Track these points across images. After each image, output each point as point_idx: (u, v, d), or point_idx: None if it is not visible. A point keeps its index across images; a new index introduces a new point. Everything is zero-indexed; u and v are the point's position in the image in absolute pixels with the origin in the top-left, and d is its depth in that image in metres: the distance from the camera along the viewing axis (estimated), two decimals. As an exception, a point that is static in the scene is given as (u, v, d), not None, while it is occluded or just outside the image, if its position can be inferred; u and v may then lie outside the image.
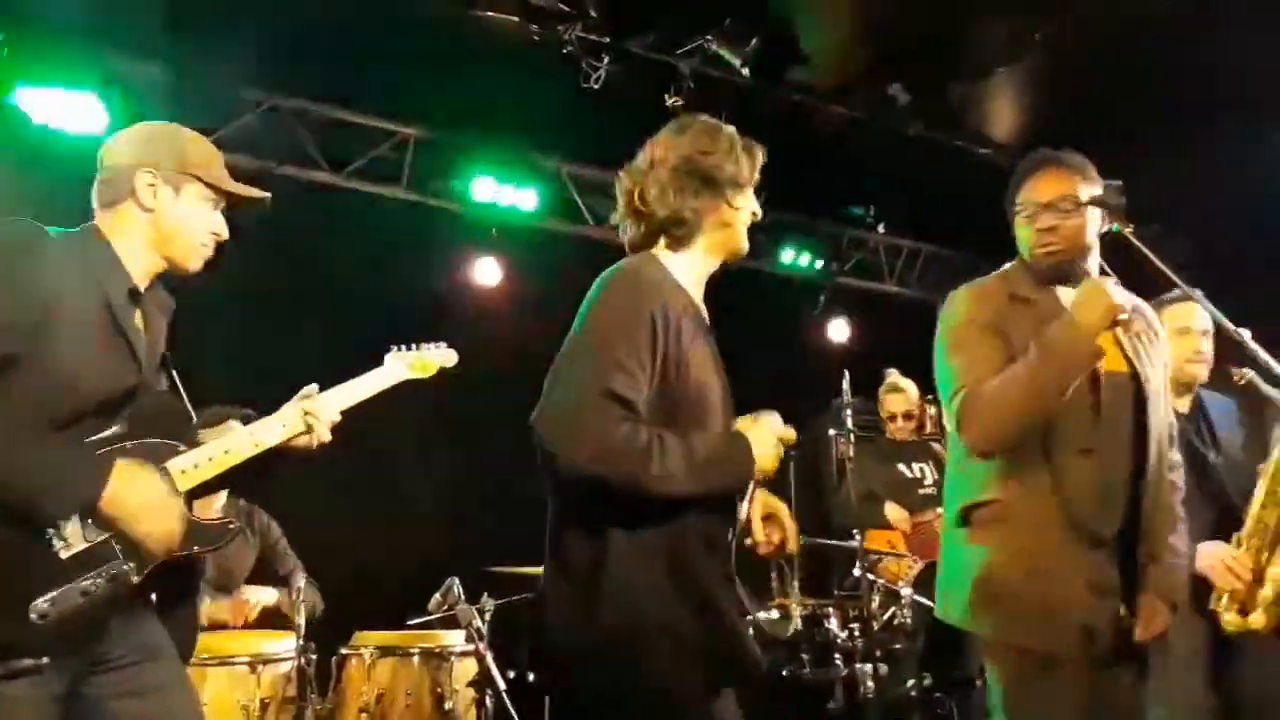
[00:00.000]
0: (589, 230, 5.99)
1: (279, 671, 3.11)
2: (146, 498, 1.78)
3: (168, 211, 1.93)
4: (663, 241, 1.98)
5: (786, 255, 6.76)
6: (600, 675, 1.79)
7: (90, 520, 1.74)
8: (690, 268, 1.99)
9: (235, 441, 1.96)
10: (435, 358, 2.32)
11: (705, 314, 2.01)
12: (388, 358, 2.26)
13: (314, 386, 2.08)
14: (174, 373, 1.98)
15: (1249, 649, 2.87)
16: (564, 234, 5.99)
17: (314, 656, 3.11)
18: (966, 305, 2.28)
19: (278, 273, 4.79)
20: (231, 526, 1.95)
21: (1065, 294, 2.23)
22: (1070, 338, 2.08)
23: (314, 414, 2.02)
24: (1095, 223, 2.24)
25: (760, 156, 2.04)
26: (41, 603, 1.67)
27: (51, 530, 1.71)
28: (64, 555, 1.71)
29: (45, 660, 1.67)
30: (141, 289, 1.92)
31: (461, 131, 5.56)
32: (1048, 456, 2.13)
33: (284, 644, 3.16)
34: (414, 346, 2.31)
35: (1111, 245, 2.30)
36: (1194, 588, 2.70)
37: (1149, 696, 2.26)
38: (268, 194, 2.06)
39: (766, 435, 1.89)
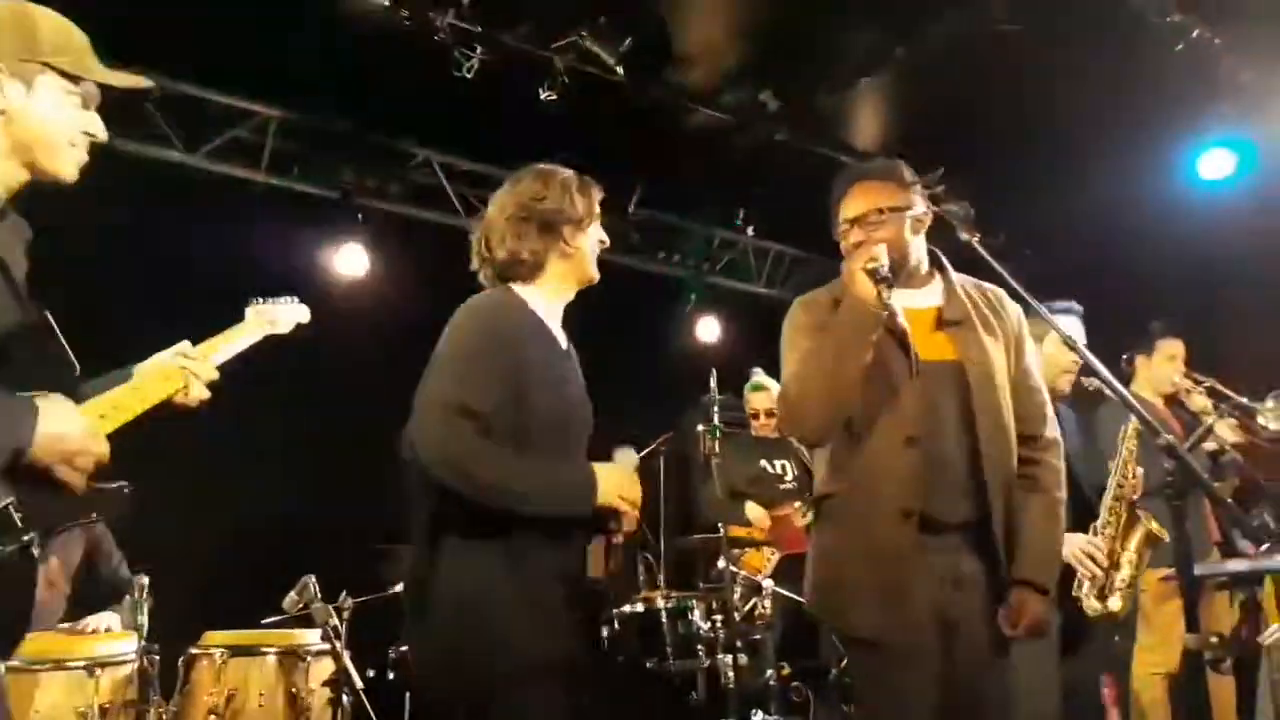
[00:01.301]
0: (459, 221, 5.91)
1: (120, 674, 2.94)
2: (70, 424, 1.58)
3: (19, 109, 1.66)
4: (515, 281, 2.20)
5: (659, 255, 6.85)
6: (434, 674, 1.99)
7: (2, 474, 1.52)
8: (543, 298, 2.21)
9: (122, 396, 1.76)
10: (291, 312, 2.25)
11: (562, 339, 2.23)
12: (247, 310, 2.18)
13: (186, 343, 1.95)
14: (48, 315, 1.70)
15: (1090, 636, 3.07)
16: (434, 224, 5.88)
17: (157, 658, 2.95)
18: (796, 314, 2.39)
19: (123, 253, 4.54)
20: (126, 491, 1.73)
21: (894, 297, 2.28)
22: (846, 310, 2.17)
23: (193, 369, 1.89)
24: (910, 226, 2.31)
25: (597, 193, 2.28)
26: None
27: None
28: None
29: None
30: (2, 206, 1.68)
31: (328, 115, 5.40)
32: (873, 447, 2.20)
33: (124, 645, 2.99)
34: (267, 301, 2.22)
35: (962, 255, 2.41)
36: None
37: (1018, 689, 2.28)
38: (147, 81, 1.81)
39: (616, 475, 2.07)
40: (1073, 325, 3.10)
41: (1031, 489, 2.29)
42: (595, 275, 2.27)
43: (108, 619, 3.17)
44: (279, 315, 2.21)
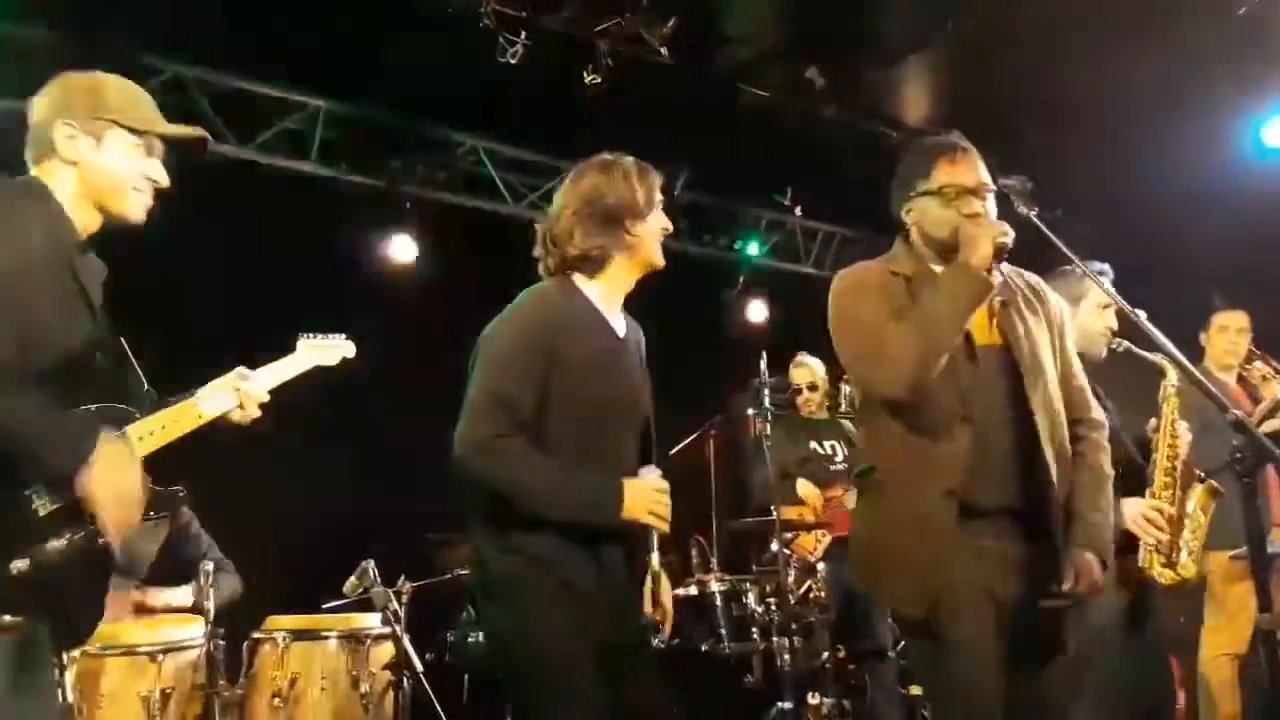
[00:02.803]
0: (506, 207, 5.93)
1: (185, 659, 3.00)
2: (121, 476, 1.75)
3: (90, 161, 1.88)
4: (578, 273, 2.27)
5: (706, 238, 6.82)
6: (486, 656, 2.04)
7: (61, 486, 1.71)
8: (607, 289, 2.28)
9: (181, 412, 1.97)
10: (338, 349, 2.42)
11: (620, 327, 2.30)
12: (299, 344, 2.34)
13: (243, 368, 2.13)
14: (123, 341, 1.98)
15: (1157, 616, 3.01)
16: (481, 211, 5.91)
17: (223, 642, 3.01)
18: (850, 278, 2.34)
19: (182, 248, 4.62)
20: (181, 494, 1.96)
21: (940, 272, 2.26)
22: (960, 275, 2.14)
23: (247, 391, 2.08)
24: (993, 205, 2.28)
25: (656, 179, 2.31)
26: (21, 560, 1.66)
27: (33, 488, 1.69)
28: (40, 513, 1.70)
29: (20, 619, 1.66)
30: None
31: (375, 104, 5.44)
32: (924, 426, 2.17)
33: (191, 630, 3.06)
34: (319, 336, 2.40)
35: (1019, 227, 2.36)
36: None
37: (1073, 677, 2.27)
38: (203, 132, 2.03)
39: (645, 489, 2.14)
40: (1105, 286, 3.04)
41: (1081, 466, 2.28)
42: (660, 261, 2.33)
43: (178, 595, 3.26)
44: (328, 350, 2.39)
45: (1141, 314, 2.35)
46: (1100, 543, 2.22)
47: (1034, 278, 2.41)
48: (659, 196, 2.31)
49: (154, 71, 4.81)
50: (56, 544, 1.71)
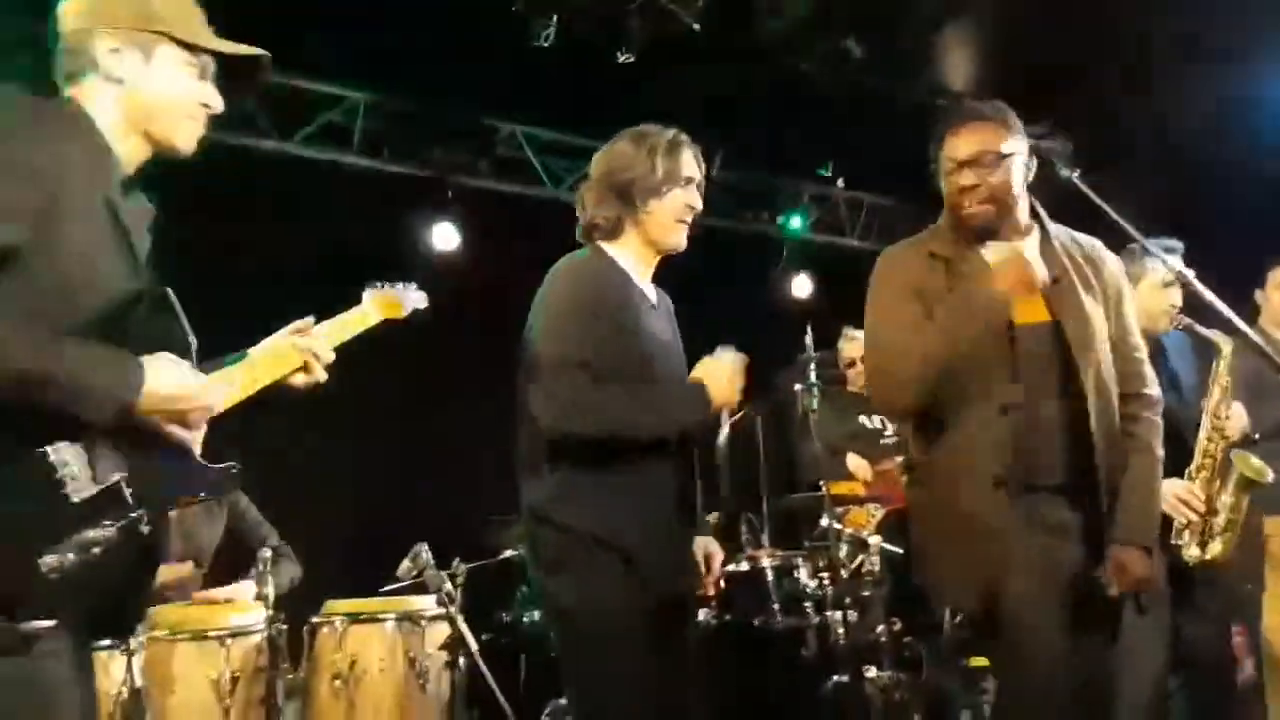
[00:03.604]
0: (546, 191, 5.95)
1: (249, 643, 3.08)
2: (179, 377, 1.56)
3: (138, 81, 1.63)
4: (604, 240, 2.29)
5: (748, 213, 6.77)
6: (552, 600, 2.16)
7: (112, 445, 1.51)
8: (627, 258, 2.28)
9: (238, 374, 1.74)
10: (407, 298, 2.21)
11: (652, 295, 2.31)
12: (365, 295, 2.13)
13: (310, 320, 1.92)
14: (169, 291, 1.68)
15: (1205, 583, 2.96)
16: (521, 196, 5.93)
17: (284, 627, 3.08)
18: (886, 267, 2.30)
19: (229, 243, 4.71)
20: (235, 472, 1.72)
21: (989, 248, 2.21)
22: (975, 306, 2.10)
23: (312, 350, 1.85)
24: (1021, 173, 2.22)
25: (687, 156, 2.28)
26: (52, 556, 1.43)
27: (63, 470, 1.47)
28: (75, 499, 1.47)
29: (55, 622, 1.44)
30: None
31: (412, 94, 5.47)
32: (966, 416, 2.13)
33: (253, 616, 3.13)
34: (386, 285, 2.19)
35: (1066, 192, 2.31)
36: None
37: (1121, 661, 2.25)
38: (264, 52, 1.75)
39: (716, 370, 2.19)
40: (1174, 264, 2.95)
41: (1132, 447, 2.22)
42: (675, 243, 2.30)
43: (243, 589, 3.34)
44: (399, 300, 2.17)
45: (1190, 274, 2.30)
46: (1145, 533, 2.17)
47: (1090, 242, 2.33)
48: (689, 174, 2.26)
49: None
50: (94, 534, 1.48)
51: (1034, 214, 2.30)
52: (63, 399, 1.45)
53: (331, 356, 1.90)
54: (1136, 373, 2.28)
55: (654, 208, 2.24)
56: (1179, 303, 2.98)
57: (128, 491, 1.53)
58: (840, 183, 6.86)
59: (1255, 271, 3.98)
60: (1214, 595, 3.03)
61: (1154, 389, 2.31)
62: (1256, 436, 2.98)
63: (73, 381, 1.45)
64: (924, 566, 2.27)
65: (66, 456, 1.48)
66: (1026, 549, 2.09)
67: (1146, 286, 2.98)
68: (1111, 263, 2.32)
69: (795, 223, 6.99)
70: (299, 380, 1.85)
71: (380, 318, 2.11)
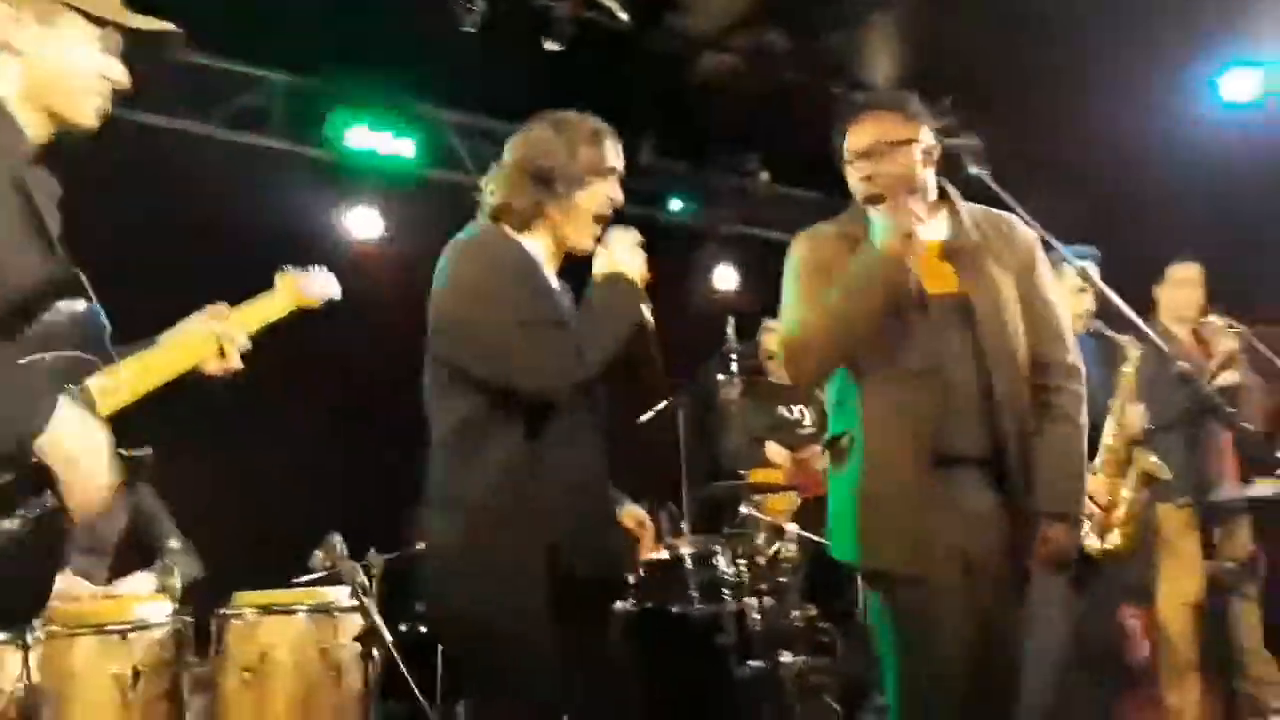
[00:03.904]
0: (470, 177, 5.88)
1: (154, 637, 3.00)
2: (84, 439, 1.50)
3: (39, 52, 1.58)
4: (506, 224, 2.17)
5: (673, 204, 6.80)
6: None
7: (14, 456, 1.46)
8: (535, 248, 2.17)
9: (153, 360, 1.70)
10: (320, 285, 2.16)
11: (555, 284, 2.20)
12: (277, 279, 2.08)
13: (224, 306, 1.89)
14: (80, 274, 1.63)
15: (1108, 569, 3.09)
16: (445, 182, 5.87)
17: (190, 620, 3.01)
18: (799, 249, 2.33)
19: (140, 225, 4.55)
20: (148, 458, 1.68)
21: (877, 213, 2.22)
22: (866, 263, 2.13)
23: (226, 333, 1.82)
24: (921, 159, 2.25)
25: (611, 146, 2.18)
26: None
27: None
28: None
29: None
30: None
31: (333, 75, 5.37)
32: (882, 385, 2.17)
33: (156, 608, 3.06)
34: (296, 269, 2.14)
35: (975, 190, 2.36)
36: None
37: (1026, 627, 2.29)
38: (172, 26, 1.71)
39: (615, 254, 2.12)
40: (1089, 269, 3.07)
41: (1049, 417, 2.26)
42: (586, 245, 2.19)
43: (141, 582, 3.24)
44: (310, 286, 2.12)
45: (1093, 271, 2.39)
46: (1066, 502, 2.22)
47: (1004, 216, 2.36)
48: (611, 164, 2.18)
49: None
50: (9, 524, 1.47)
51: (943, 195, 2.34)
52: None
53: (246, 343, 1.87)
54: (1053, 337, 2.29)
55: (576, 198, 2.15)
56: (1092, 307, 3.09)
57: (40, 482, 1.49)
58: (764, 175, 6.92)
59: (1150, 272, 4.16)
60: (1108, 580, 3.16)
61: (1073, 356, 2.31)
62: (1153, 427, 3.11)
63: None
64: (844, 535, 2.26)
65: None
66: (944, 525, 2.12)
67: (1064, 288, 3.08)
68: (1022, 232, 2.33)
69: (720, 214, 7.03)
70: (213, 367, 1.82)
71: (294, 304, 2.07)
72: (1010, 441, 2.17)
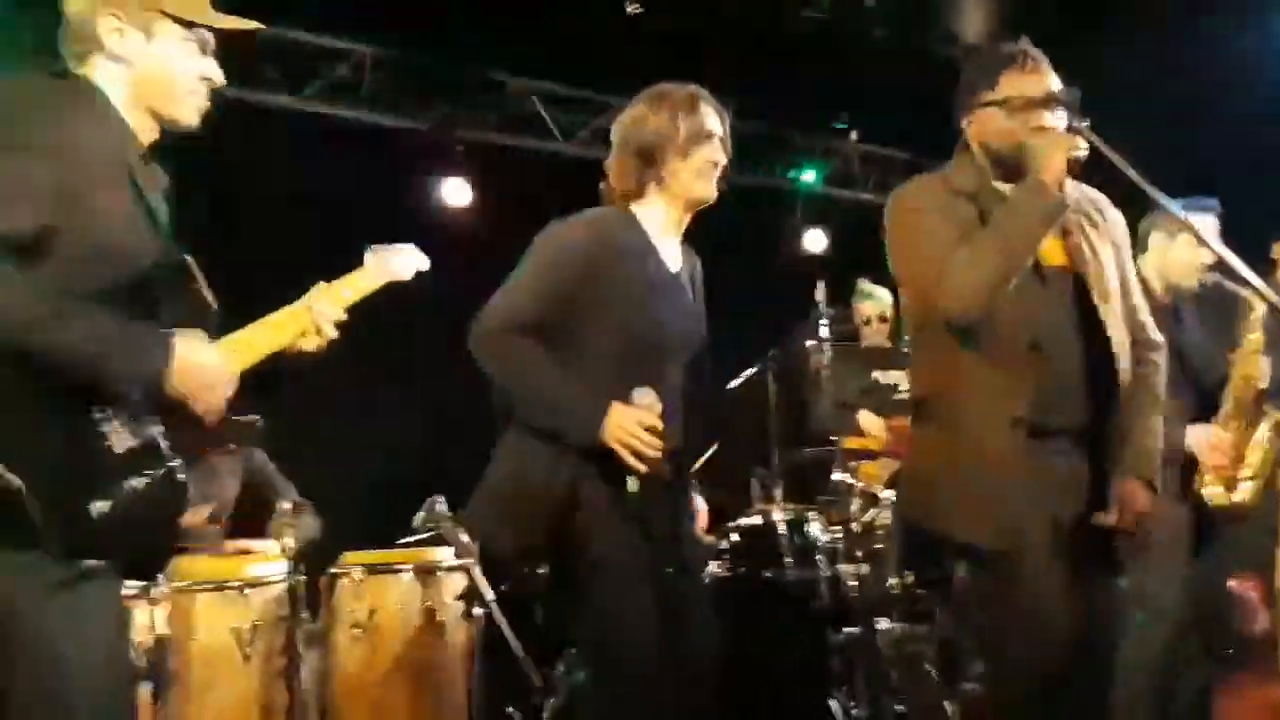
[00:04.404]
0: (555, 145, 5.91)
1: (269, 594, 3.14)
2: (208, 365, 1.68)
3: (142, 59, 1.72)
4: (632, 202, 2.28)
5: (761, 167, 6.71)
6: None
7: (145, 404, 1.63)
8: (653, 219, 2.28)
9: (254, 336, 1.86)
10: (410, 260, 2.22)
11: (674, 262, 2.30)
12: (367, 256, 2.16)
13: (322, 284, 2.01)
14: (189, 258, 1.81)
15: (1226, 536, 2.99)
16: (532, 150, 5.90)
17: (303, 578, 3.13)
18: (911, 197, 2.26)
19: (239, 199, 4.71)
20: (258, 424, 1.89)
21: (1008, 190, 2.18)
22: (1032, 193, 2.06)
23: (322, 313, 1.94)
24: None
25: (707, 112, 2.25)
26: (101, 502, 1.57)
27: (106, 425, 1.60)
28: (117, 450, 1.61)
29: (105, 563, 1.61)
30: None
31: (421, 49, 5.43)
32: (989, 351, 2.11)
33: (273, 567, 3.19)
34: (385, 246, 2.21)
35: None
36: (1177, 474, 2.78)
37: (1125, 598, 2.28)
38: (255, 24, 1.85)
39: (626, 416, 2.11)
40: (1208, 223, 2.94)
41: (1140, 388, 2.23)
42: (704, 195, 2.28)
43: (266, 547, 3.39)
44: (399, 262, 2.19)
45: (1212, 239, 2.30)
46: (1149, 467, 2.18)
47: (1094, 193, 2.32)
48: (710, 129, 2.24)
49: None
50: (135, 483, 1.61)
51: None
52: (99, 374, 1.57)
53: (341, 317, 1.98)
54: (1141, 320, 2.31)
55: (679, 168, 2.23)
56: (1209, 260, 2.98)
57: (164, 443, 1.66)
58: (854, 135, 6.78)
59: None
60: (1223, 546, 3.06)
61: (1155, 333, 2.33)
62: (1262, 386, 3.00)
63: (105, 359, 1.57)
64: (928, 504, 2.24)
65: (109, 412, 1.61)
66: (1037, 497, 2.09)
67: (1183, 240, 2.97)
68: (1114, 215, 2.33)
69: (809, 176, 6.92)
70: (308, 343, 1.95)
71: (384, 279, 2.15)
72: (1110, 416, 2.15)
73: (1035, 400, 2.09)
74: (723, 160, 2.27)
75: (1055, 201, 2.06)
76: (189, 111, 1.79)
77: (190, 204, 1.96)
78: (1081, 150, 2.07)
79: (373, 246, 2.17)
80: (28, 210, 1.54)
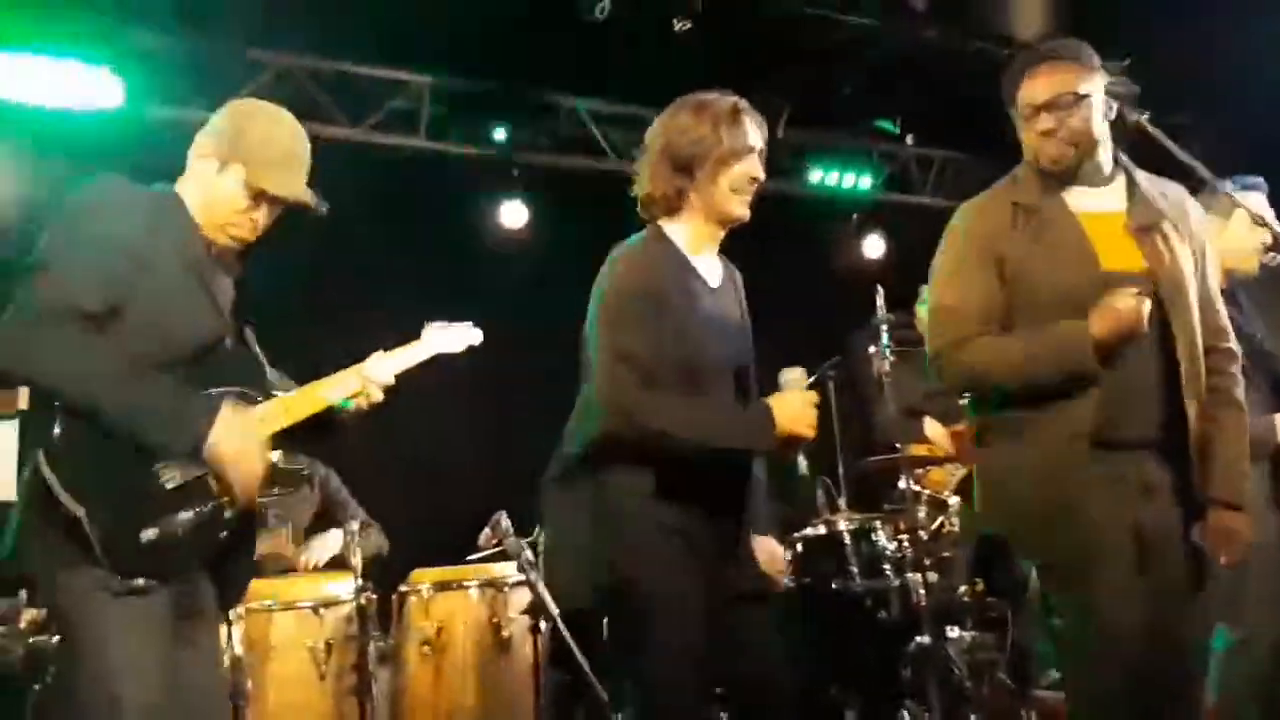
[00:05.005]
0: (611, 164, 5.97)
1: (341, 613, 3.21)
2: (243, 445, 1.94)
3: (205, 183, 2.04)
4: (662, 217, 2.22)
5: (814, 175, 6.68)
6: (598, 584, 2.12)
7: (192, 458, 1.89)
8: (687, 235, 2.21)
9: (303, 396, 2.14)
10: (464, 336, 2.50)
11: (713, 277, 2.24)
12: (425, 331, 2.44)
13: (380, 352, 2.28)
14: (249, 329, 2.16)
15: None
16: (587, 170, 5.97)
17: (373, 596, 3.20)
18: (965, 220, 2.24)
19: (305, 230, 4.84)
20: (305, 472, 2.13)
21: (1074, 195, 2.16)
22: (1076, 339, 2.03)
23: (369, 377, 2.21)
24: (1100, 112, 2.14)
25: (750, 124, 2.17)
26: (150, 530, 1.85)
27: (158, 464, 1.88)
28: (169, 487, 1.89)
29: (153, 583, 1.85)
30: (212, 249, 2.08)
31: (475, 75, 5.54)
32: None
33: (344, 585, 3.26)
34: (445, 324, 2.50)
35: (1133, 137, 2.23)
36: (1266, 471, 2.67)
37: (1212, 610, 2.21)
38: (311, 202, 2.13)
39: (790, 403, 2.09)
40: (1259, 202, 2.84)
41: (1220, 402, 2.16)
42: (738, 214, 2.20)
43: (331, 539, 3.51)
44: (453, 337, 2.48)
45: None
46: (1236, 488, 2.13)
47: (1177, 191, 2.25)
48: (751, 143, 2.17)
49: (262, 67, 5.03)
50: (184, 516, 1.90)
51: (1118, 159, 2.23)
52: (145, 432, 1.85)
53: (390, 383, 2.25)
54: (1220, 327, 2.23)
55: (718, 180, 2.15)
56: (1269, 240, 2.88)
57: (213, 484, 1.94)
58: (909, 139, 6.72)
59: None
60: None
61: (1234, 343, 2.25)
62: None
63: (155, 420, 1.86)
64: (998, 518, 2.22)
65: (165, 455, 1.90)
66: (1112, 508, 2.04)
67: (1239, 223, 2.87)
68: (1195, 211, 2.25)
69: (865, 182, 6.86)
70: (359, 402, 2.22)
71: (436, 351, 2.43)
72: (1192, 427, 2.08)
73: (1103, 413, 2.03)
74: (760, 175, 2.20)
75: (1089, 368, 2.02)
76: (221, 238, 2.07)
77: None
78: (1141, 324, 2.01)
79: (430, 324, 2.44)
80: (100, 293, 1.85)
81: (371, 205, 5.07)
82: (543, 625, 3.25)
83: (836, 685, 3.62)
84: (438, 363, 2.44)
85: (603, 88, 5.87)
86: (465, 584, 3.45)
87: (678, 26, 4.78)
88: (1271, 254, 2.84)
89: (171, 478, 1.89)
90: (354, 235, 5.02)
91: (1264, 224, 2.73)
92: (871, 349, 4.22)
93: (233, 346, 2.09)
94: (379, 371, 2.24)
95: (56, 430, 1.82)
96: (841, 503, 4.45)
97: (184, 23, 4.60)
